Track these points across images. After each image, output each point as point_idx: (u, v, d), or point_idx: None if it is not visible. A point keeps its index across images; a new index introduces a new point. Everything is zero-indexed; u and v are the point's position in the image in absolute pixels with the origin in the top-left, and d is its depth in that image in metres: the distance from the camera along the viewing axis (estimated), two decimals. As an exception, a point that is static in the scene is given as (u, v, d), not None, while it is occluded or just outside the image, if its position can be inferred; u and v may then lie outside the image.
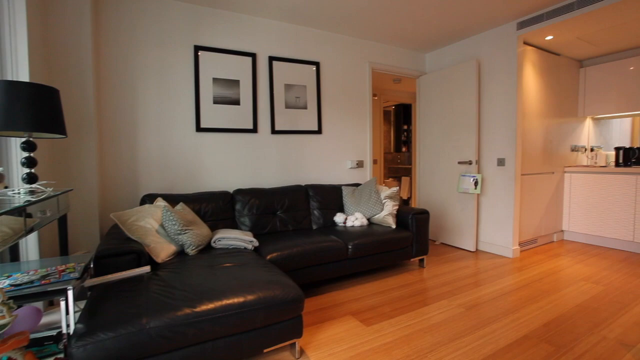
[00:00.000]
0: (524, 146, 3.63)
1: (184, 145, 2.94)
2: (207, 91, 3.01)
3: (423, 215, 3.07)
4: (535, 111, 3.77)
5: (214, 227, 2.66)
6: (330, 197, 3.26)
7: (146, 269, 1.77)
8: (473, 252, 3.73)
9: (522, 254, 3.61)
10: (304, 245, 2.45)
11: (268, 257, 2.30)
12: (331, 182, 3.68)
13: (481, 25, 3.53)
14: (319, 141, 3.60)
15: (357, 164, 3.83)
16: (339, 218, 3.13)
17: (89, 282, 1.54)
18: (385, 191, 3.22)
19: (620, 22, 3.19)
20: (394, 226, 3.03)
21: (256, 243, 2.41)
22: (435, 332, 2.02)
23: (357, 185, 3.55)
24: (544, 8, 3.18)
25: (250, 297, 1.56)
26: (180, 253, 2.18)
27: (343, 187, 3.37)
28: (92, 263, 1.66)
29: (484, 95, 3.74)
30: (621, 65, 4.02)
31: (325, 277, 2.57)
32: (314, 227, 3.11)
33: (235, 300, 1.52)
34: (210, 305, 1.45)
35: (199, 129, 2.97)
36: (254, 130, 3.23)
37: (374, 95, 5.87)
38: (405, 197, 6.15)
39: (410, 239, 2.97)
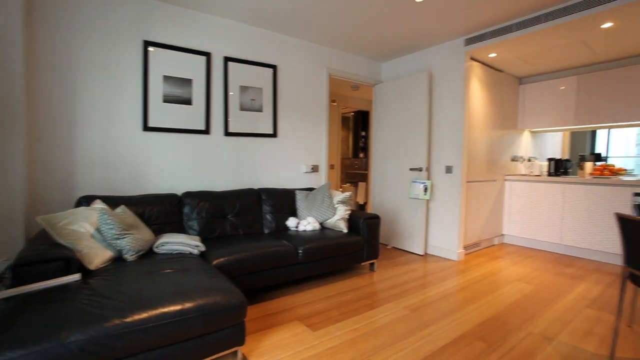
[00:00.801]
0: (470, 155, 3.86)
1: (129, 145, 2.78)
2: (157, 89, 2.87)
3: (374, 220, 3.14)
4: (480, 123, 4.03)
5: (159, 232, 2.54)
6: (284, 201, 3.24)
7: (75, 277, 1.64)
8: (422, 255, 3.88)
9: (466, 257, 3.82)
10: (253, 250, 2.41)
11: (214, 262, 2.23)
12: (285, 186, 3.67)
13: (433, 39, 3.71)
14: (274, 145, 3.58)
15: (312, 168, 3.85)
16: (291, 222, 3.12)
17: (3, 293, 1.39)
18: (338, 196, 3.26)
19: (549, 46, 3.51)
20: (345, 231, 3.08)
21: (202, 248, 2.33)
22: (379, 335, 2.07)
23: (311, 189, 3.56)
24: (487, 27, 3.41)
25: (188, 305, 1.50)
26: (118, 259, 2.05)
27: (297, 192, 3.37)
28: (8, 271, 1.50)
29: (434, 106, 3.93)
30: (554, 84, 4.43)
31: (275, 282, 2.55)
32: (266, 231, 3.08)
33: (172, 308, 1.45)
34: (143, 315, 1.38)
35: (146, 128, 2.83)
36: (207, 131, 3.13)
37: (333, 101, 5.95)
38: (361, 202, 6.28)
39: (361, 244, 3.03)
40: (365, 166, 6.59)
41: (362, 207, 6.39)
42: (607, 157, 5.84)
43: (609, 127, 4.35)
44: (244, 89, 3.34)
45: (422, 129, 3.83)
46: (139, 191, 2.83)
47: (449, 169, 3.76)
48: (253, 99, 3.41)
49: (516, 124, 4.75)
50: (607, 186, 3.64)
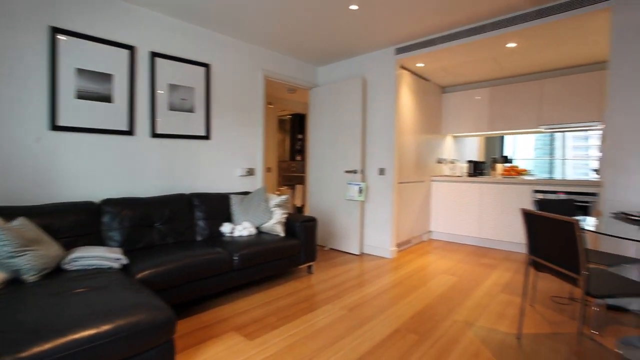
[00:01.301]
0: (401, 157, 4.09)
1: (33, 146, 2.41)
2: (68, 83, 2.54)
3: (311, 223, 3.16)
4: (409, 127, 4.30)
5: (71, 245, 2.24)
6: (218, 206, 3.10)
7: (-45, 305, 1.36)
8: (358, 255, 4.01)
9: (399, 254, 4.04)
10: (183, 260, 2.25)
11: (139, 275, 2.03)
12: (220, 191, 3.51)
13: (367, 46, 3.87)
14: (207, 147, 3.40)
15: (248, 171, 3.75)
16: (226, 228, 2.99)
17: None
18: (275, 199, 3.22)
19: (467, 60, 3.88)
20: (282, 234, 3.04)
21: (124, 260, 2.11)
22: (318, 338, 2.07)
23: (247, 193, 3.46)
24: (415, 39, 3.66)
25: (105, 327, 1.33)
26: (15, 281, 1.75)
27: (231, 196, 3.24)
28: None
29: (368, 110, 4.10)
30: (471, 94, 4.92)
31: (209, 292, 2.41)
32: (199, 238, 2.90)
33: (85, 333, 1.28)
34: (47, 346, 1.18)
35: (55, 127, 2.48)
36: (130, 132, 2.86)
37: (270, 103, 5.88)
38: (299, 205, 6.29)
39: (298, 247, 3.02)
40: (303, 169, 6.63)
41: (299, 209, 6.40)
42: (512, 159, 6.66)
43: (515, 134, 4.96)
44: (173, 87, 3.12)
45: (357, 132, 3.97)
46: (47, 200, 2.47)
47: (382, 171, 3.95)
48: (184, 99, 3.20)
49: (440, 129, 5.17)
50: (513, 185, 4.13)
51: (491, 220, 4.31)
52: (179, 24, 3.17)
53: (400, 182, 4.09)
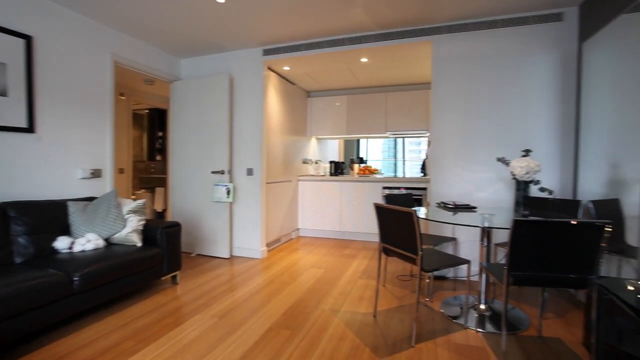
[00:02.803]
0: (269, 158, 4.15)
1: None
2: None
3: (174, 229, 2.88)
4: (277, 129, 4.40)
5: None
6: (48, 217, 2.48)
7: None
8: (228, 258, 3.88)
9: (269, 254, 4.09)
10: (-6, 290, 1.71)
11: None
12: (52, 197, 2.82)
13: (235, 43, 3.75)
14: (30, 143, 2.67)
15: (92, 173, 3.13)
16: (62, 243, 2.42)
17: None
18: (130, 204, 2.80)
19: (329, 69, 4.25)
20: (139, 244, 2.67)
21: None
22: (187, 354, 1.90)
23: (92, 199, 2.90)
24: (282, 42, 3.76)
25: None
26: None
27: (70, 203, 2.65)
28: None
29: (236, 109, 4.00)
30: (332, 100, 5.39)
31: (43, 325, 1.90)
32: (18, 260, 2.26)
33: None
34: None
35: None
36: None
37: (121, 94, 5.08)
38: (160, 210, 5.66)
39: (160, 256, 2.71)
40: (164, 170, 5.99)
41: (161, 215, 5.76)
42: (366, 160, 7.64)
43: (368, 138, 5.70)
44: (-31, 61, 2.33)
45: (224, 131, 3.82)
46: None
47: (250, 171, 3.92)
48: (-12, 78, 2.43)
49: (306, 131, 5.49)
50: (367, 182, 4.74)
51: (351, 214, 4.83)
52: (-21, -21, 2.39)
53: (269, 182, 4.15)
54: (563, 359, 1.88)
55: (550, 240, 1.71)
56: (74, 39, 2.99)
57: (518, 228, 1.69)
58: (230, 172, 3.89)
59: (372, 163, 7.67)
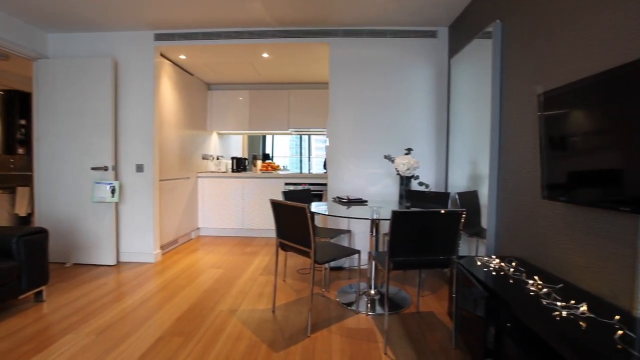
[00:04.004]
0: (162, 153, 3.81)
1: None
2: None
3: (37, 236, 2.42)
4: (172, 122, 4.07)
5: None
6: None
7: None
8: (114, 265, 3.45)
9: (164, 257, 3.78)
10: None
11: None
12: None
13: (120, 22, 3.30)
14: None
15: None
16: None
17: None
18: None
19: (229, 61, 4.10)
20: (-13, 257, 2.18)
21: None
22: (50, 380, 1.63)
23: None
24: (176, 29, 3.47)
25: None
26: None
27: None
28: None
29: (121, 98, 3.55)
30: (235, 94, 5.22)
31: None
32: None
33: None
34: None
35: None
36: None
37: (-40, 69, 4.03)
38: (23, 214, 4.70)
39: (16, 270, 2.25)
40: (28, 166, 4.98)
41: (25, 220, 4.79)
42: (273, 156, 7.64)
43: (270, 134, 5.69)
44: None
45: (107, 122, 3.37)
46: None
47: (140, 168, 3.55)
48: None
49: (206, 126, 5.20)
50: (270, 179, 4.74)
51: (253, 211, 4.76)
52: None
53: (163, 179, 3.82)
54: (434, 329, 2.20)
55: (423, 228, 1.97)
56: None
57: (396, 219, 1.90)
58: (115, 168, 3.45)
59: (278, 159, 7.70)
